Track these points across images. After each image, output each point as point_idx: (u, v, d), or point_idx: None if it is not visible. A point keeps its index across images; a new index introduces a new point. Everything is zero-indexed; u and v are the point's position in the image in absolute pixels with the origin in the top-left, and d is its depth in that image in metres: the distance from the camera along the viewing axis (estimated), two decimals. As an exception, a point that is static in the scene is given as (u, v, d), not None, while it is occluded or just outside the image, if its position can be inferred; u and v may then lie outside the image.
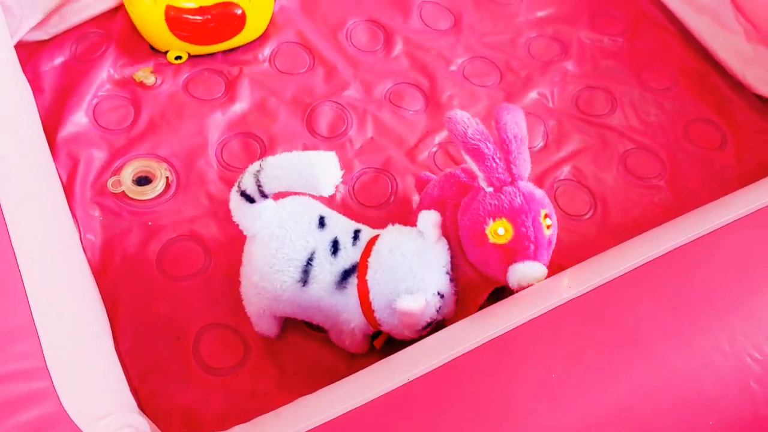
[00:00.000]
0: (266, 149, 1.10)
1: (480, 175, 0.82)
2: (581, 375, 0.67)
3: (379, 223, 1.03)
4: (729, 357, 0.68)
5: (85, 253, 0.96)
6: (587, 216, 1.09)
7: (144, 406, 0.87)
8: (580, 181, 1.12)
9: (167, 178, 1.04)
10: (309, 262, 0.82)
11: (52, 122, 1.06)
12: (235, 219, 0.84)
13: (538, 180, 1.11)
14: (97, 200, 1.01)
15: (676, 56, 1.30)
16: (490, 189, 0.82)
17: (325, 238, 0.83)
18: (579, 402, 0.66)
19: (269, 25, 1.23)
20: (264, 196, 0.80)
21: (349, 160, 1.10)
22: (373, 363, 0.77)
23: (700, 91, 1.25)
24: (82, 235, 0.97)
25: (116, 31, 1.17)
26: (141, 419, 0.73)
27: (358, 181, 1.08)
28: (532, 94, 1.21)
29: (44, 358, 0.63)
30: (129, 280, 0.96)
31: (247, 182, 0.80)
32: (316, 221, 0.84)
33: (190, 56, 1.16)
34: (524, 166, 0.83)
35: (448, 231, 0.87)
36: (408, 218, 1.02)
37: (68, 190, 1.01)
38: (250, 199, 0.81)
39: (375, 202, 1.07)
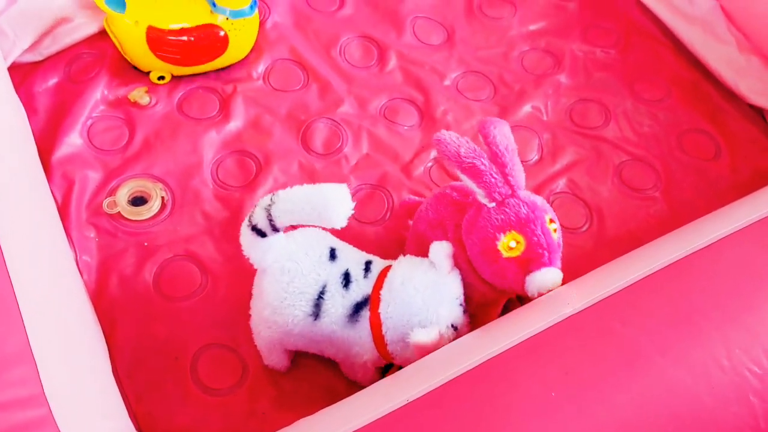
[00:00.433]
0: (261, 167, 1.09)
1: (479, 192, 0.82)
2: (581, 391, 0.67)
3: (376, 239, 1.04)
4: (728, 371, 0.68)
5: (81, 275, 0.96)
6: (584, 229, 1.09)
7: (142, 428, 0.86)
8: (576, 194, 1.12)
9: (163, 197, 1.04)
10: (320, 295, 0.81)
11: (46, 143, 1.06)
12: (245, 253, 0.82)
13: (534, 193, 1.10)
14: (92, 221, 1.01)
15: (668, 67, 1.31)
16: (492, 204, 0.82)
17: (336, 271, 0.82)
18: (578, 418, 0.65)
19: (262, 42, 1.23)
20: (275, 230, 0.79)
21: (345, 176, 1.10)
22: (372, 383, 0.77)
23: (694, 102, 1.26)
24: (77, 257, 0.97)
25: (110, 51, 1.17)
26: (139, 443, 0.73)
27: (354, 198, 1.07)
28: (526, 108, 1.22)
29: (41, 384, 0.63)
30: (126, 301, 0.96)
31: (259, 217, 0.79)
32: (327, 253, 0.83)
33: (174, 76, 1.16)
34: (520, 176, 0.84)
35: (455, 251, 0.87)
36: (403, 234, 1.02)
37: (63, 211, 1.01)
38: (262, 234, 0.79)
39: (371, 218, 1.07)
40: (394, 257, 0.98)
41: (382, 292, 0.80)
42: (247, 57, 1.20)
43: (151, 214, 1.02)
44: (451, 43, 1.30)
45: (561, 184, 1.13)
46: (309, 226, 0.83)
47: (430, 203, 0.93)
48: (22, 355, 0.64)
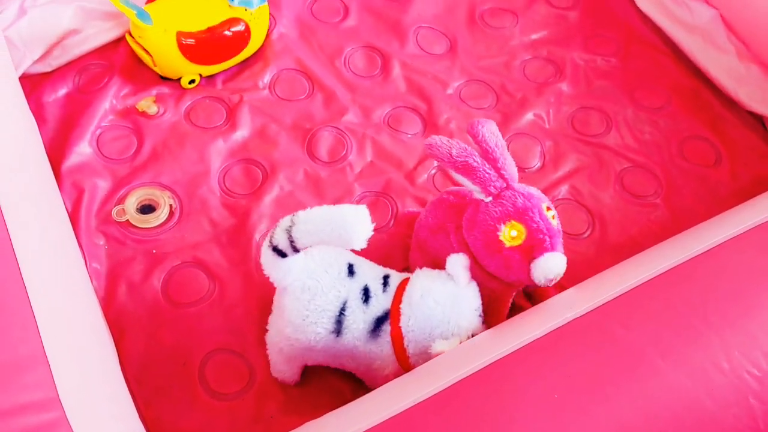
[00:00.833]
0: (267, 175, 1.11)
1: (475, 188, 0.85)
2: (583, 394, 0.68)
3: (380, 246, 1.05)
4: (727, 374, 0.69)
5: (91, 282, 0.97)
6: (586, 235, 1.10)
7: (151, 432, 0.88)
8: (578, 201, 1.14)
9: (170, 205, 1.05)
10: (342, 311, 0.82)
11: (56, 153, 1.08)
12: (266, 273, 0.83)
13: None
14: (101, 229, 1.03)
15: (668, 75, 1.32)
16: (489, 198, 0.84)
17: (355, 287, 0.83)
18: (581, 420, 0.66)
19: (268, 52, 1.25)
20: (296, 250, 0.80)
21: (350, 184, 1.12)
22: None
23: (694, 109, 1.27)
24: (87, 264, 0.99)
25: (118, 62, 1.19)
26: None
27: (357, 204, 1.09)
28: (528, 116, 1.23)
29: (56, 388, 0.64)
30: (134, 307, 0.97)
31: (279, 237, 0.79)
32: (346, 270, 0.84)
33: (174, 87, 1.19)
34: (513, 169, 0.86)
35: (458, 252, 0.88)
36: (408, 242, 1.04)
37: (73, 219, 1.02)
38: (282, 254, 0.80)
39: (376, 225, 1.07)
40: (399, 264, 1.00)
41: (402, 306, 0.81)
42: (253, 67, 1.22)
43: (160, 221, 1.04)
44: (454, 53, 1.32)
45: (563, 190, 1.15)
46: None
47: (428, 210, 0.95)
48: (37, 360, 0.66)
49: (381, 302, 0.83)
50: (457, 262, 0.82)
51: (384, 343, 0.82)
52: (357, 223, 0.74)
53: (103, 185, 1.07)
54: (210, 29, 1.14)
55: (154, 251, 1.02)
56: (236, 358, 0.94)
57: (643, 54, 1.35)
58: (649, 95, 1.29)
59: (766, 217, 0.84)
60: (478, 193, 0.85)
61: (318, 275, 0.83)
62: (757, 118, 1.26)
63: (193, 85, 1.19)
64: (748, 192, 1.14)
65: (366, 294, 0.83)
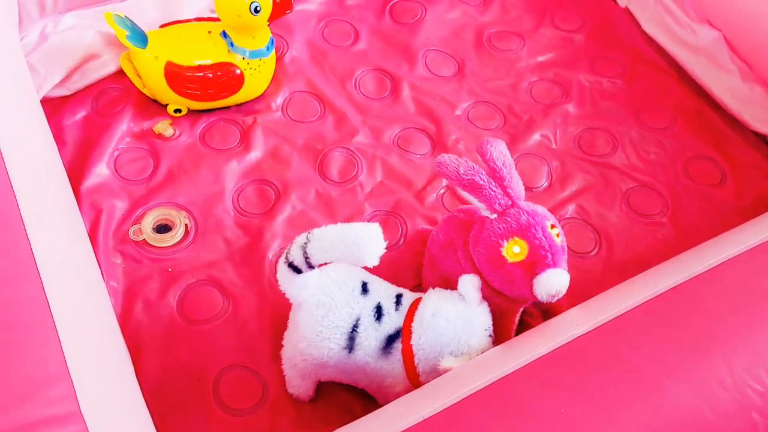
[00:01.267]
0: (280, 195, 1.14)
1: (481, 206, 0.87)
2: (589, 410, 0.69)
3: (391, 264, 1.06)
4: (730, 389, 0.70)
5: (109, 299, 0.99)
6: (593, 253, 1.12)
7: (167, 448, 0.89)
8: (585, 220, 1.16)
9: (186, 225, 1.08)
10: (354, 328, 0.84)
11: (75, 174, 1.11)
12: (281, 288, 0.86)
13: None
14: (119, 248, 1.05)
15: (673, 96, 1.34)
16: (494, 216, 0.86)
17: (368, 304, 0.85)
18: (588, 436, 0.68)
19: (281, 75, 1.28)
20: (311, 267, 0.82)
21: (360, 203, 1.14)
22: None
23: (698, 129, 1.29)
24: (105, 282, 1.01)
25: (135, 86, 1.22)
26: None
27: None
28: (536, 137, 1.26)
29: (78, 402, 0.66)
30: (150, 324, 0.99)
31: (295, 254, 0.81)
32: (359, 287, 0.86)
33: (191, 110, 1.21)
34: (519, 188, 0.88)
35: (464, 268, 0.91)
36: (418, 259, 1.06)
37: (92, 238, 1.04)
38: (297, 270, 0.82)
39: (386, 244, 1.10)
40: (408, 281, 1.02)
41: (413, 324, 0.83)
42: (266, 90, 1.25)
43: (175, 241, 1.06)
44: (462, 75, 1.34)
45: (570, 210, 1.17)
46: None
47: (440, 227, 0.98)
48: (61, 375, 0.68)
49: (393, 320, 0.84)
50: (469, 283, 0.84)
51: (395, 361, 0.84)
52: (370, 240, 0.76)
53: (121, 205, 1.10)
54: (200, 67, 1.14)
55: (169, 270, 1.04)
56: (250, 374, 0.96)
57: (648, 75, 1.37)
58: (654, 116, 1.31)
59: (769, 236, 0.86)
60: (484, 211, 0.87)
61: (332, 292, 0.85)
62: (761, 137, 1.28)
63: (179, 115, 1.19)
64: (752, 210, 1.16)
65: (379, 312, 0.85)
